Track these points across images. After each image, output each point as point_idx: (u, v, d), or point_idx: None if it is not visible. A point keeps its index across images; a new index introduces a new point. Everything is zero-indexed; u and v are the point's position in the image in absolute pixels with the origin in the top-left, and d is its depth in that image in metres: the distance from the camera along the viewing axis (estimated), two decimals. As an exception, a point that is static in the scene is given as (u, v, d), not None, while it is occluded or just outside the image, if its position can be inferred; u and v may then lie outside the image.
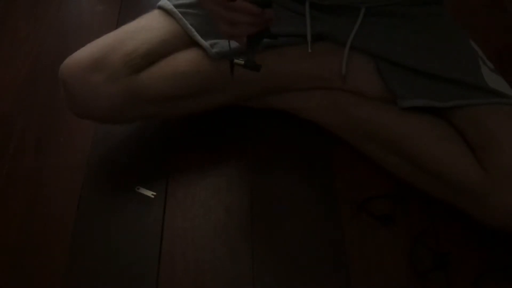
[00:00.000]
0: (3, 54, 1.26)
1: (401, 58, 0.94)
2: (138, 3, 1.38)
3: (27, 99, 1.16)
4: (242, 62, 0.80)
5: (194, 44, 0.97)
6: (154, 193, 0.99)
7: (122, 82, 0.91)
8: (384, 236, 0.92)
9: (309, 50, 0.97)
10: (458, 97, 0.91)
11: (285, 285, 0.88)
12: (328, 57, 0.99)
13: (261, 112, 1.08)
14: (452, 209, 0.90)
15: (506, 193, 0.81)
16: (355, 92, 0.99)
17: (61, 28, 1.33)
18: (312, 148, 1.05)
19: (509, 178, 0.81)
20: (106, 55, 0.91)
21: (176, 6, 0.99)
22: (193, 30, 0.97)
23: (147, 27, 0.97)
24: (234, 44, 0.85)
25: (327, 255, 0.90)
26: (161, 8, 1.00)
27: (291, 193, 0.99)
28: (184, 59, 0.96)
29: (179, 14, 0.97)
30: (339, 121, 1.02)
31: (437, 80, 0.93)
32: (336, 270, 0.89)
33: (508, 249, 0.89)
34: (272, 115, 1.07)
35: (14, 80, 1.20)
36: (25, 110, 1.14)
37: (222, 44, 0.95)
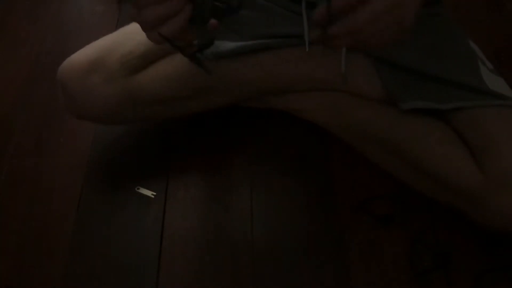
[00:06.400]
0: (3, 54, 1.26)
1: (400, 59, 0.94)
2: (138, 3, 1.37)
3: (27, 99, 1.16)
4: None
5: None
6: (154, 193, 0.99)
7: (119, 83, 0.92)
8: (384, 236, 0.92)
9: (307, 49, 0.97)
10: (458, 98, 0.91)
11: (285, 285, 0.88)
12: (326, 58, 0.99)
13: (261, 112, 1.08)
14: (452, 209, 0.90)
15: (505, 196, 0.81)
16: (355, 94, 0.99)
17: (61, 28, 1.33)
18: (313, 148, 1.05)
19: (508, 181, 0.81)
20: (103, 57, 0.92)
21: None
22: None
23: None
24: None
25: (327, 255, 0.90)
26: None
27: (291, 193, 0.99)
28: (181, 61, 0.96)
29: None
30: (339, 122, 1.02)
31: (436, 81, 0.93)
32: (336, 270, 0.89)
33: (508, 249, 0.89)
34: (272, 115, 1.07)
35: (14, 80, 1.20)
36: (25, 110, 1.14)
37: (218, 45, 0.95)
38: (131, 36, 0.96)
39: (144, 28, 0.67)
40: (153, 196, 0.99)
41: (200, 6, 0.67)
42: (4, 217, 0.97)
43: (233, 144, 1.06)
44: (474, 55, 0.96)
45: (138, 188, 1.00)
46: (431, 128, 0.92)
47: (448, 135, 0.90)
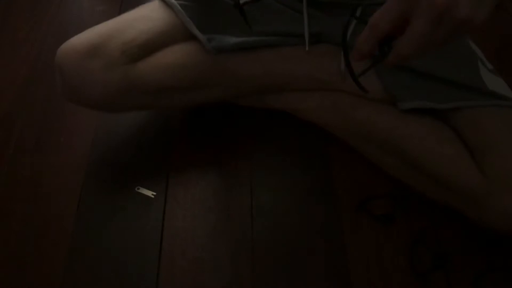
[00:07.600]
0: (3, 54, 1.26)
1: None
2: (138, 3, 1.37)
3: (27, 99, 1.16)
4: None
5: (193, 37, 0.97)
6: (154, 193, 0.99)
7: (118, 71, 0.90)
8: (384, 236, 0.92)
9: (307, 48, 0.97)
10: (458, 98, 0.91)
11: (285, 285, 0.88)
12: (326, 58, 0.99)
13: (261, 112, 1.08)
14: (452, 209, 0.90)
15: (505, 197, 0.81)
16: (355, 94, 0.99)
17: (61, 28, 1.33)
18: (312, 148, 1.05)
19: (508, 181, 0.81)
20: (104, 43, 0.90)
21: None
22: (191, 23, 0.96)
23: (147, 17, 0.97)
24: None
25: (327, 255, 0.91)
26: None
27: (291, 193, 0.99)
28: (181, 52, 0.96)
29: (178, 7, 0.97)
30: (338, 122, 1.02)
31: (436, 81, 0.93)
32: (336, 270, 0.89)
33: (508, 249, 0.89)
34: (272, 115, 1.07)
35: (14, 80, 1.20)
36: (25, 110, 1.14)
37: (219, 39, 0.95)
38: (133, 24, 0.94)
39: None
40: (153, 196, 0.99)
41: None
42: (4, 217, 0.97)
43: (233, 144, 1.06)
44: (474, 55, 0.96)
45: (138, 188, 1.00)
46: (431, 128, 0.92)
47: (448, 135, 0.91)
